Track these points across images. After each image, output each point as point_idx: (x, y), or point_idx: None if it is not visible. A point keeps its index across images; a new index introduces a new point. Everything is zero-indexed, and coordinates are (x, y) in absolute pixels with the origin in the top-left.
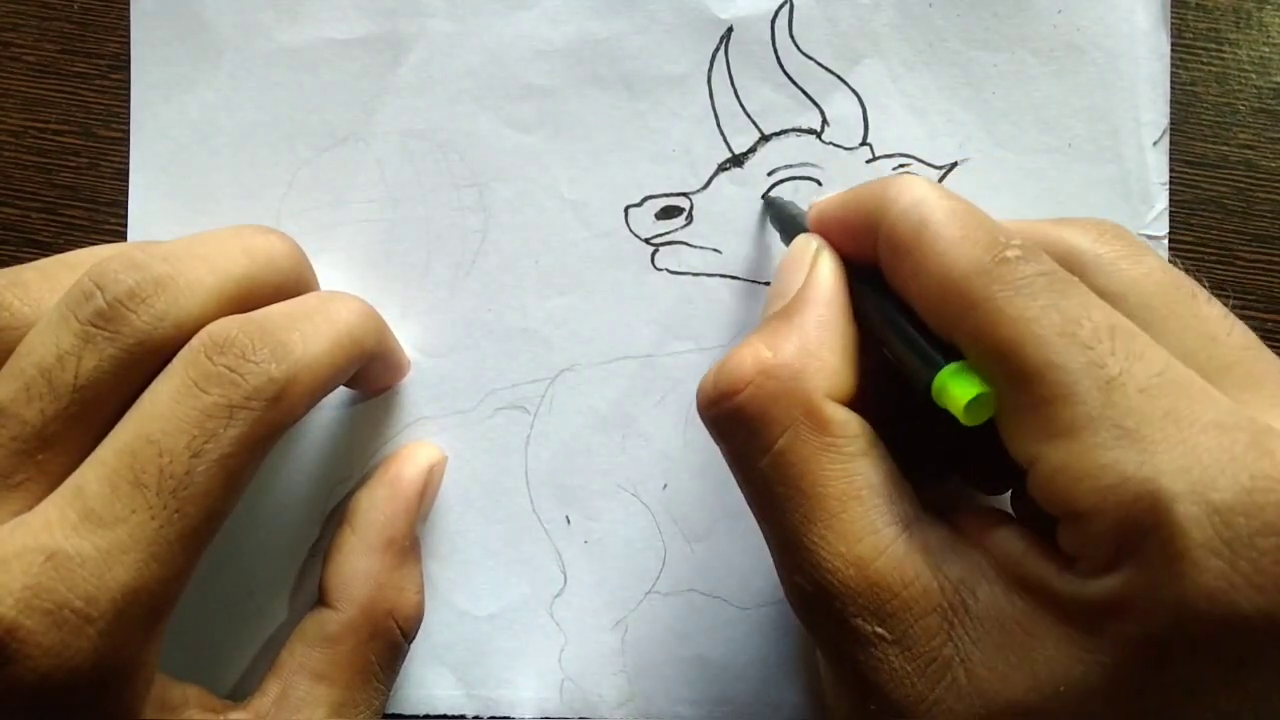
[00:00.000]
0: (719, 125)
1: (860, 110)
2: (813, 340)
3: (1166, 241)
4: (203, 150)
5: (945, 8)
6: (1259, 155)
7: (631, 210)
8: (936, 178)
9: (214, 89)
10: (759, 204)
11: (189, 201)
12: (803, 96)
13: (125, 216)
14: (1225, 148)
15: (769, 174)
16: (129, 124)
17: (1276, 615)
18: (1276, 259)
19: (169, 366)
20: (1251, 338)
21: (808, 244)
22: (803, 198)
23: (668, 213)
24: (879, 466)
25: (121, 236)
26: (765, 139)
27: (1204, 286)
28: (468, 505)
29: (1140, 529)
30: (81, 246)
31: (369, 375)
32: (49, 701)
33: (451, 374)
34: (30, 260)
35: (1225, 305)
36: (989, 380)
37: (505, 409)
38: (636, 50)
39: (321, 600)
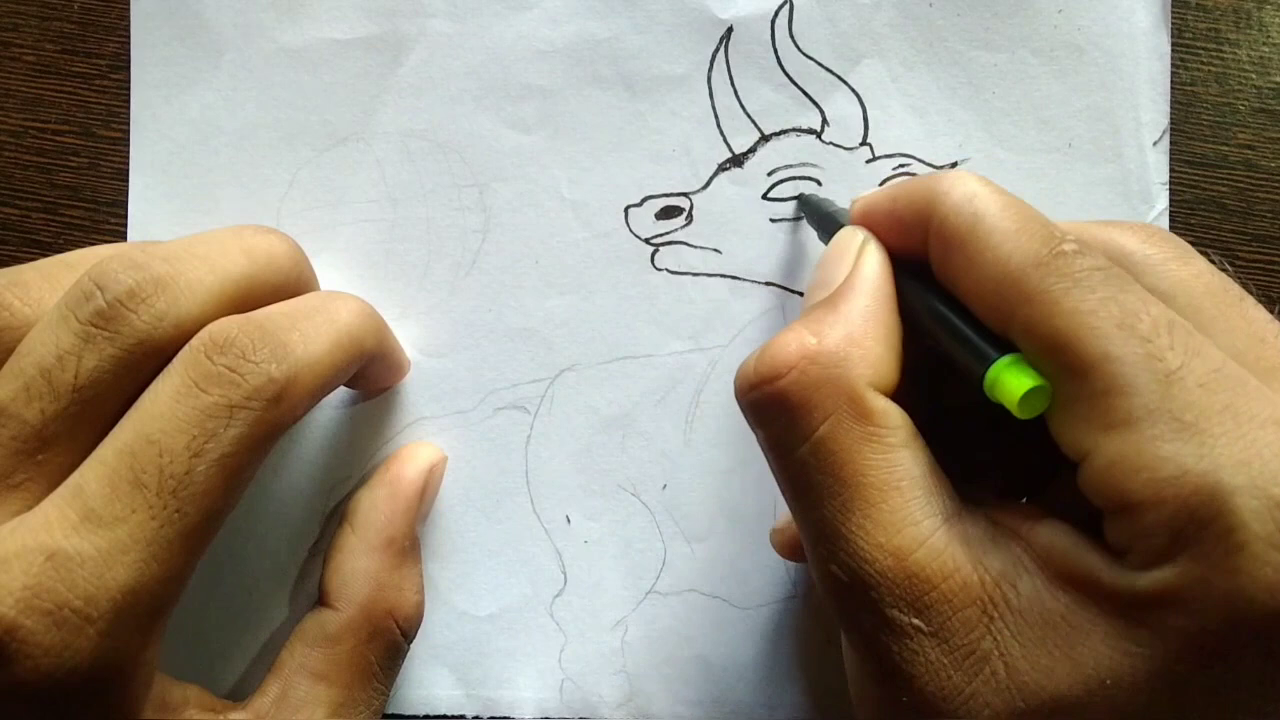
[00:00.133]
0: (719, 125)
1: (860, 110)
2: (858, 330)
3: None
4: (203, 150)
5: (945, 8)
6: (1259, 155)
7: (631, 210)
8: None
9: (214, 89)
10: (760, 203)
11: (189, 201)
12: (803, 96)
13: (125, 216)
14: (1225, 148)
15: (769, 174)
16: (129, 124)
17: None
18: (1276, 259)
19: (169, 366)
20: None
21: (854, 236)
22: None
23: (668, 213)
24: (919, 458)
25: (121, 236)
26: (765, 139)
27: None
28: (468, 505)
29: (1198, 521)
30: (81, 246)
31: (369, 375)
32: (49, 701)
33: (451, 374)
34: (30, 260)
35: None
36: (1042, 373)
37: (505, 409)
38: (636, 50)
39: (321, 600)
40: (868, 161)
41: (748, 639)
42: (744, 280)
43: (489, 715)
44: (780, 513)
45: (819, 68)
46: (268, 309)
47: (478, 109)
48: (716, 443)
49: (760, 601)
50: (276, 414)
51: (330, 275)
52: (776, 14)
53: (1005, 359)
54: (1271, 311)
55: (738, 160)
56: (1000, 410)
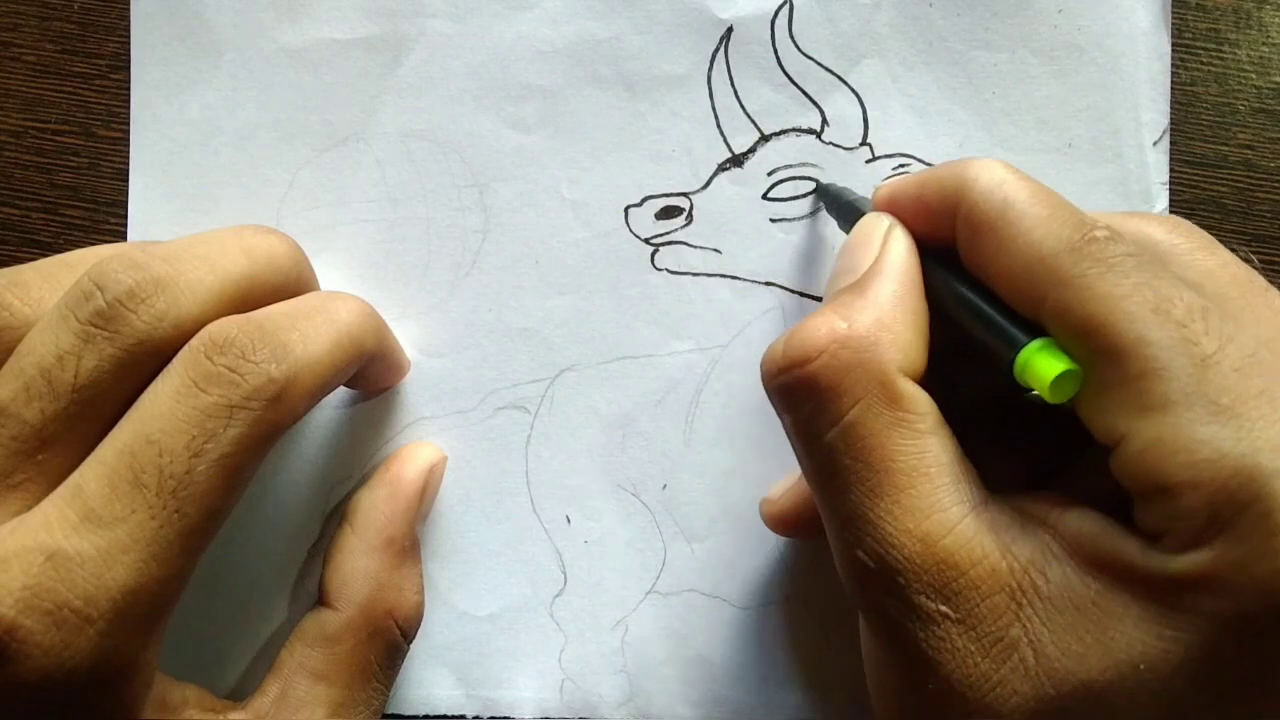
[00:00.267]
0: (719, 125)
1: (860, 110)
2: (888, 314)
3: None
4: (203, 150)
5: (945, 8)
6: (1259, 155)
7: (631, 210)
8: None
9: (214, 89)
10: (760, 203)
11: (189, 201)
12: (803, 96)
13: (125, 216)
14: (1225, 148)
15: (769, 174)
16: (129, 124)
17: None
18: (1276, 259)
19: (169, 366)
20: None
21: (879, 222)
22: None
23: (668, 213)
24: (947, 445)
25: (121, 236)
26: (765, 139)
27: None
28: (468, 505)
29: (1236, 504)
30: (81, 246)
31: (369, 375)
32: (48, 701)
33: (451, 374)
34: (30, 260)
35: None
36: (1074, 358)
37: (505, 409)
38: (636, 50)
39: (321, 600)
40: (868, 161)
41: (748, 639)
42: (744, 280)
43: (489, 715)
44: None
45: (819, 68)
46: (268, 309)
47: (478, 109)
48: (716, 443)
49: (760, 601)
50: (276, 414)
51: (330, 275)
52: (776, 14)
53: (1036, 343)
54: None
55: (738, 160)
56: (1019, 398)
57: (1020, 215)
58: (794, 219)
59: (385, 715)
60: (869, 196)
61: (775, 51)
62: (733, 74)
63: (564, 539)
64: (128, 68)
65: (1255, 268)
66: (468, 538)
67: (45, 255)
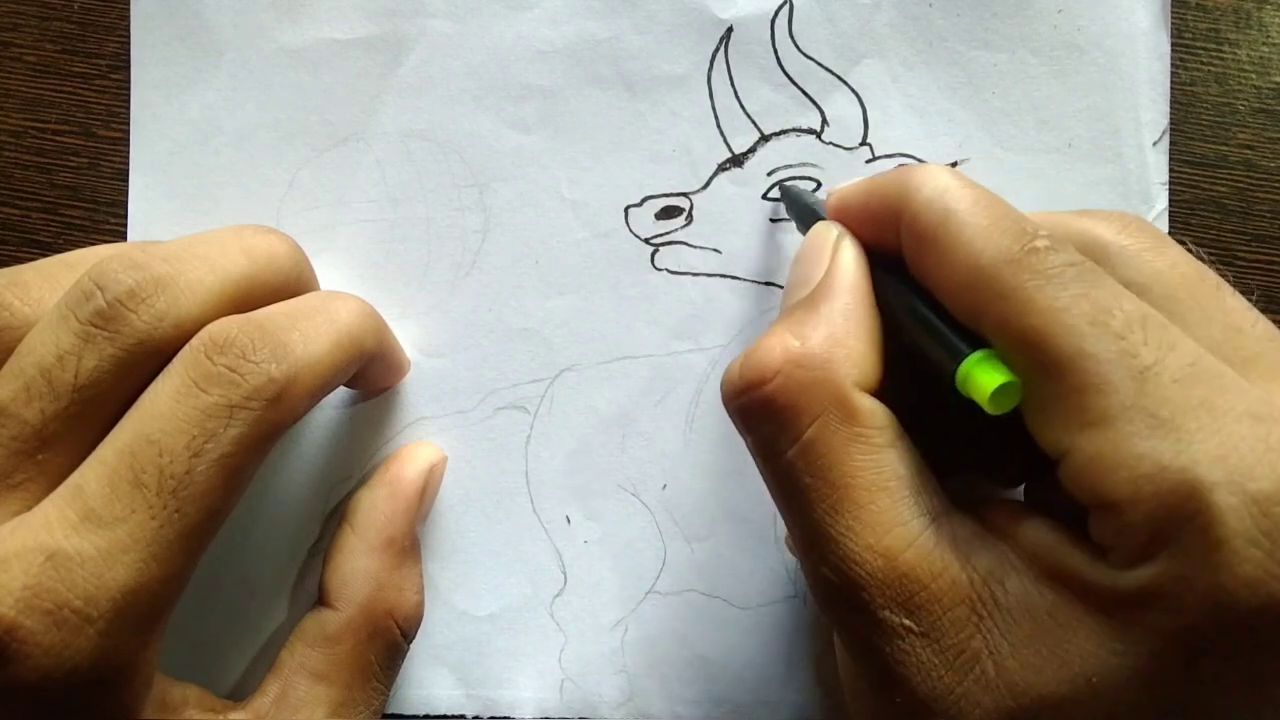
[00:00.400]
0: (719, 125)
1: (860, 110)
2: (840, 329)
3: None
4: (203, 150)
5: (945, 8)
6: (1259, 155)
7: (631, 210)
8: None
9: (214, 89)
10: (759, 203)
11: (189, 201)
12: (803, 96)
13: (125, 216)
14: (1225, 148)
15: (769, 174)
16: (129, 124)
17: None
18: (1276, 259)
19: (169, 366)
20: (1274, 329)
21: (828, 231)
22: None
23: (668, 213)
24: (907, 458)
25: (121, 236)
26: (765, 139)
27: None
28: (468, 505)
29: (1177, 518)
30: (81, 246)
31: (369, 375)
32: (49, 701)
33: (451, 374)
34: (30, 260)
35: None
36: (1016, 370)
37: (505, 409)
38: (636, 50)
39: (321, 600)
40: (868, 161)
41: (748, 639)
42: (744, 280)
43: (489, 715)
44: None
45: (819, 68)
46: (268, 309)
47: (478, 109)
48: (716, 443)
49: (760, 601)
50: (276, 414)
51: (330, 275)
52: (776, 14)
53: (976, 355)
54: (1268, 309)
55: (738, 160)
56: (977, 407)
57: (961, 225)
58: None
59: (385, 715)
60: (824, 200)
61: (775, 51)
62: (733, 74)
63: (564, 539)
64: (128, 68)
65: (1204, 261)
66: (468, 538)
67: (45, 255)
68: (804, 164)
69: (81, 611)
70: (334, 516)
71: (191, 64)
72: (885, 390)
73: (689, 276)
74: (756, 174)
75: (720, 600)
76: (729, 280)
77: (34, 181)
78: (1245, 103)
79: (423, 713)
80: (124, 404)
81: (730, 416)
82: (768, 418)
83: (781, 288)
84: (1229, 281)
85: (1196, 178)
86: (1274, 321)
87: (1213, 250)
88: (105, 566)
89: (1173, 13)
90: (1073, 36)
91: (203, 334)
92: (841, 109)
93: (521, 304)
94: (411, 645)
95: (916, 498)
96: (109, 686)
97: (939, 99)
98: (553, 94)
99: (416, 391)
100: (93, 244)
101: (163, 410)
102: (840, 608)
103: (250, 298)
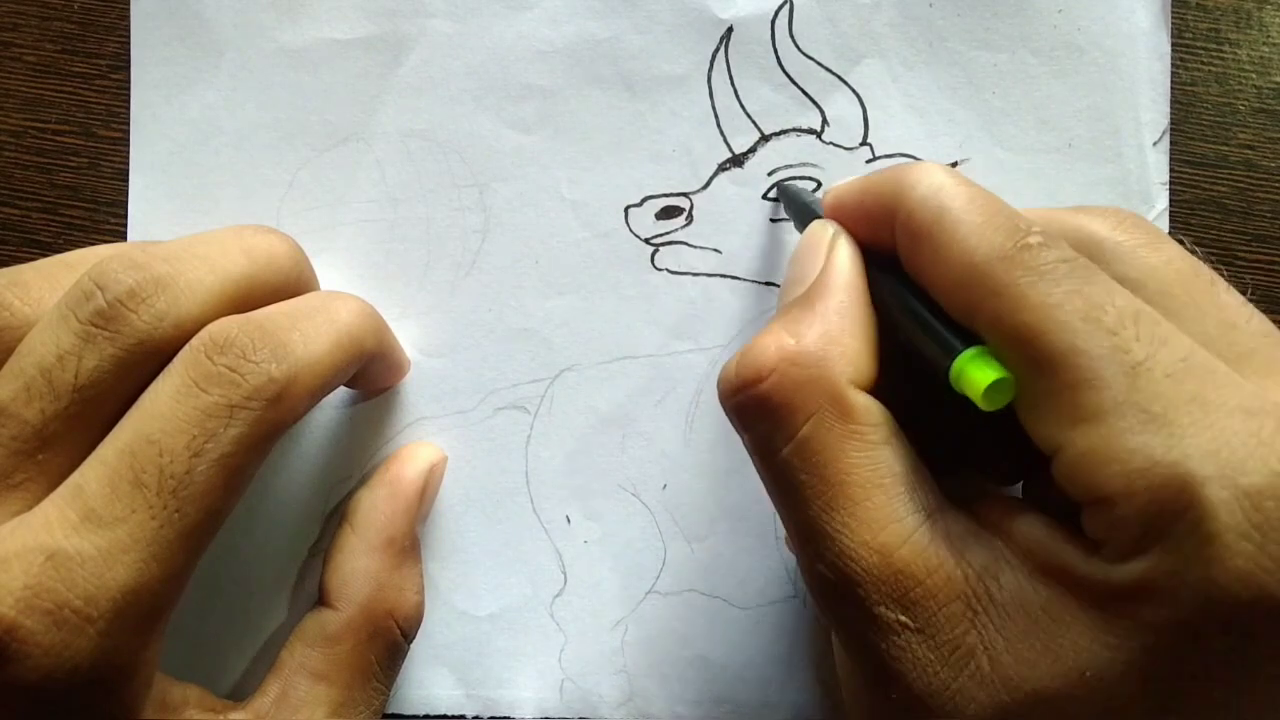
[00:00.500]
0: (719, 125)
1: (860, 110)
2: (835, 327)
3: None
4: (203, 150)
5: (945, 8)
6: (1259, 155)
7: (631, 210)
8: None
9: (214, 89)
10: (760, 203)
11: (189, 201)
12: (803, 96)
13: (125, 216)
14: (1225, 148)
15: (769, 174)
16: (129, 124)
17: None
18: (1276, 259)
19: (169, 366)
20: (1269, 325)
21: (824, 230)
22: None
23: (668, 213)
24: (902, 454)
25: (121, 236)
26: (765, 139)
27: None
28: (468, 505)
29: (1169, 513)
30: (81, 246)
31: (369, 375)
32: (49, 701)
33: (451, 374)
34: (30, 260)
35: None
36: (1010, 366)
37: (505, 409)
38: (636, 50)
39: (321, 600)
40: (868, 161)
41: (748, 639)
42: (744, 280)
43: (489, 715)
44: None
45: (819, 68)
46: (268, 309)
47: (478, 109)
48: (716, 443)
49: (760, 601)
50: (277, 414)
51: (330, 275)
52: (776, 14)
53: (970, 351)
54: (1268, 309)
55: (738, 160)
56: (972, 403)
57: (955, 223)
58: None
59: (385, 715)
60: (821, 198)
61: (775, 51)
62: (733, 74)
63: (564, 539)
64: (128, 68)
65: (1199, 257)
66: (468, 538)
67: (45, 255)
68: (804, 164)
69: (82, 611)
70: (334, 516)
71: (191, 64)
72: (880, 388)
73: (689, 276)
74: (757, 174)
75: (720, 600)
76: (729, 280)
77: (34, 181)
78: (1245, 103)
79: (423, 713)
80: (124, 404)
81: (726, 414)
82: (763, 415)
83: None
84: (1226, 280)
85: (1196, 178)
86: (1275, 321)
87: (1213, 250)
88: (105, 566)
89: (1173, 13)
90: (1073, 36)
91: (203, 334)
92: (842, 109)
93: (521, 304)
94: (411, 645)
95: (911, 494)
96: (109, 686)
97: (939, 99)
98: (553, 94)
99: (416, 391)
100: (93, 244)
101: (163, 410)
102: (836, 604)
103: (250, 298)
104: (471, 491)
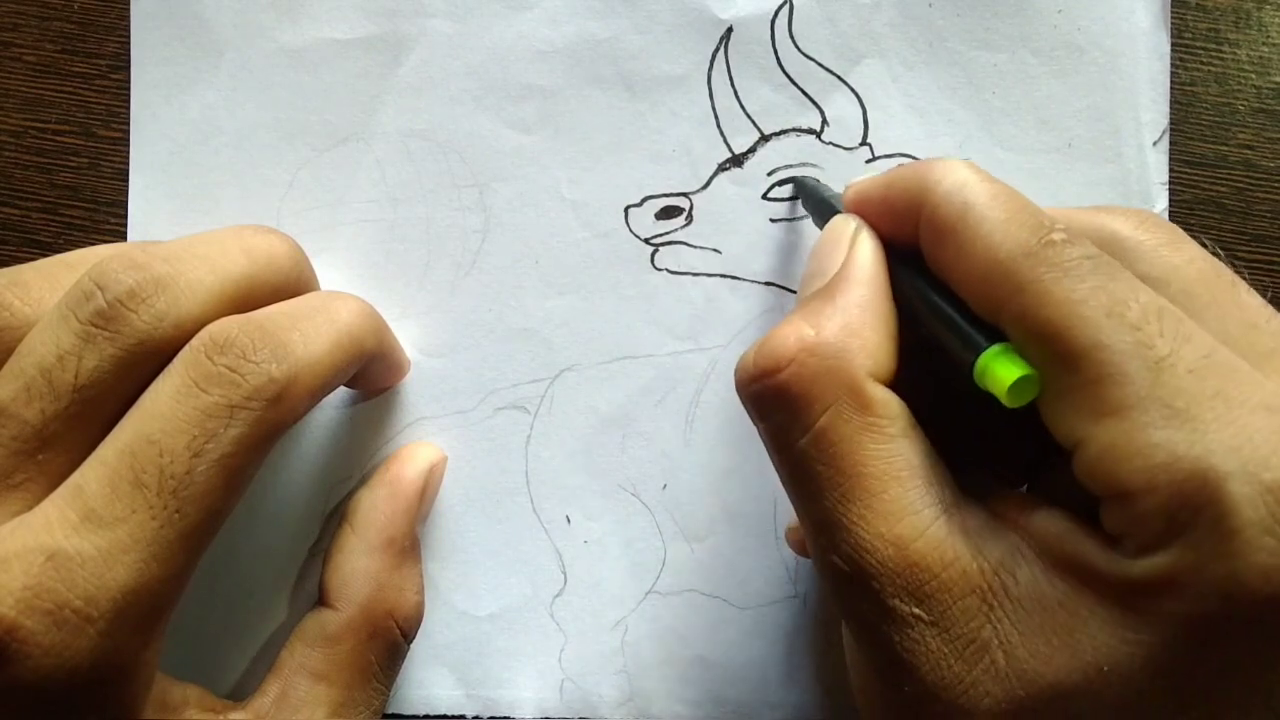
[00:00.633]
0: (719, 125)
1: (860, 110)
2: (855, 319)
3: None
4: (203, 150)
5: (945, 8)
6: (1258, 155)
7: (631, 210)
8: None
9: (214, 89)
10: (760, 203)
11: (189, 201)
12: (803, 96)
13: (125, 216)
14: (1225, 148)
15: (769, 174)
16: (129, 124)
17: None
18: (1276, 259)
19: (169, 366)
20: None
21: (846, 224)
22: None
23: (668, 213)
24: (919, 448)
25: (121, 236)
26: (765, 139)
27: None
28: (468, 505)
29: (1191, 507)
30: (81, 246)
31: (369, 375)
32: (49, 701)
33: (451, 374)
34: (30, 260)
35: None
36: (1033, 362)
37: (505, 409)
38: (636, 50)
39: (321, 600)
40: (868, 161)
41: (748, 639)
42: (744, 280)
43: (489, 715)
44: (783, 511)
45: (819, 68)
46: (268, 309)
47: (478, 109)
48: (716, 443)
49: (760, 601)
50: (277, 414)
51: (330, 275)
52: (776, 14)
53: (994, 348)
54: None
55: (738, 160)
56: (991, 398)
57: (980, 219)
58: (794, 219)
59: (385, 715)
60: (841, 193)
61: (775, 51)
62: (733, 74)
63: (564, 539)
64: (128, 68)
65: (1221, 260)
66: (468, 538)
67: (45, 255)
68: (804, 164)
69: (82, 612)
70: (334, 516)
71: (191, 64)
72: (899, 382)
73: (689, 276)
74: (756, 174)
75: (720, 600)
76: (729, 280)
77: (34, 181)
78: (1245, 103)
79: (423, 713)
80: (124, 404)
81: (743, 404)
82: (781, 405)
83: (781, 288)
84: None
85: (1196, 178)
86: None
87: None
88: (105, 566)
89: (1173, 13)
90: (1073, 36)
91: (203, 334)
92: (841, 109)
93: (521, 304)
94: (411, 645)
95: (928, 488)
96: (109, 686)
97: (939, 99)
98: (553, 94)
99: (416, 391)
100: (93, 244)
101: (163, 410)
102: (850, 596)
103: (250, 298)
104: (471, 491)
